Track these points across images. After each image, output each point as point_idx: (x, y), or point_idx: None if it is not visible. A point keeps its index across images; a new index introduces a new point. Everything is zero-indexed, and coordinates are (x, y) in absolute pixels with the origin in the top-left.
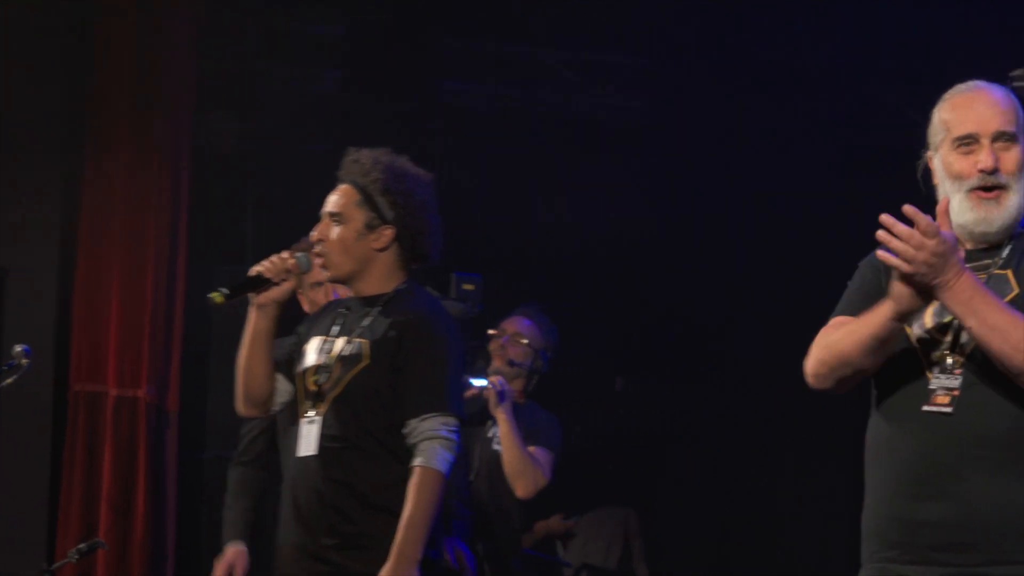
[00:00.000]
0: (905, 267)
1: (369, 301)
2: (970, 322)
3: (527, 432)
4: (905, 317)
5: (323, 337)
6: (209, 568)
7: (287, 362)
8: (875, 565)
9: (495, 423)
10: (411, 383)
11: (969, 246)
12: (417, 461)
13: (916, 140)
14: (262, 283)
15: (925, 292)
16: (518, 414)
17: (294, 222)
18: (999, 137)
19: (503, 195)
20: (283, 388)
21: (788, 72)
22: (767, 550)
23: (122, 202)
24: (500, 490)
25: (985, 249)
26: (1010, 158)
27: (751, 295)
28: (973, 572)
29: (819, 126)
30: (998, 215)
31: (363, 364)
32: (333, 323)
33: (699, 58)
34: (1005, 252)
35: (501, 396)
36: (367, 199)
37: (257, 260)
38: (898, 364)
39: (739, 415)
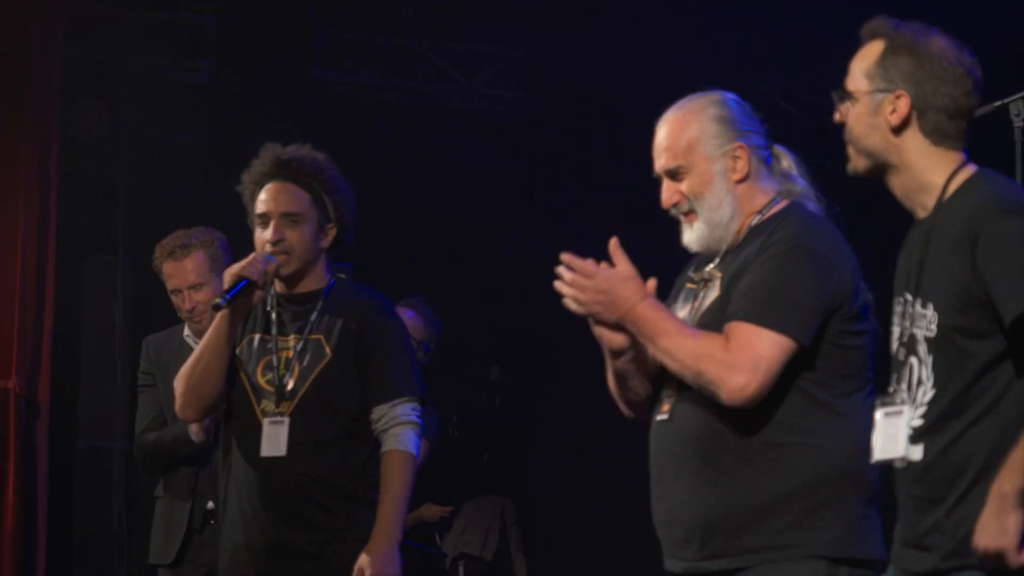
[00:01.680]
0: (574, 307)
1: (308, 297)
2: (651, 349)
3: None
4: (622, 353)
5: (260, 335)
6: (81, 558)
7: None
8: None
9: None
10: (379, 370)
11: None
12: (392, 445)
13: (794, 131)
14: (251, 288)
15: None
16: None
17: (165, 212)
18: (667, 175)
19: (376, 185)
20: None
21: (666, 62)
22: (644, 538)
23: None
24: None
25: (723, 255)
26: (685, 185)
27: None
28: (696, 567)
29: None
30: (694, 237)
31: (327, 359)
32: (265, 321)
33: (574, 47)
34: (725, 256)
35: None
36: (317, 199)
37: (128, 250)
38: None
39: (614, 404)
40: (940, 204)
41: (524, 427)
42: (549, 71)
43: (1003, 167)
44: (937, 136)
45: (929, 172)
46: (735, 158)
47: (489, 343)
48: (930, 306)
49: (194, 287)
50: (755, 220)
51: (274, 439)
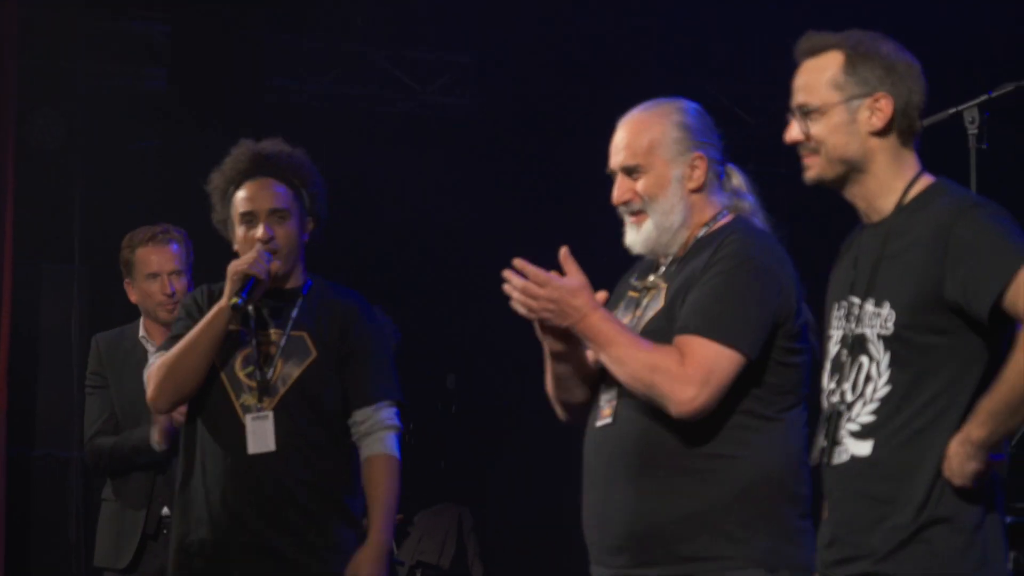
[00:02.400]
0: (523, 311)
1: (289, 293)
2: (601, 357)
3: None
4: (564, 356)
5: (238, 328)
6: (39, 565)
7: None
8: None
9: None
10: (362, 373)
11: (663, 261)
12: (379, 449)
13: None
14: (259, 286)
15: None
16: None
17: (122, 220)
18: (624, 171)
19: (330, 192)
20: None
21: (618, 68)
22: None
23: None
24: None
25: (672, 262)
26: (640, 185)
27: None
28: (628, 574)
29: None
30: (639, 238)
31: (312, 358)
32: (245, 314)
33: (526, 55)
34: (666, 266)
35: None
36: (297, 196)
37: (85, 257)
38: None
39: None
40: (900, 208)
41: (481, 435)
42: (500, 78)
43: (956, 175)
44: (905, 137)
45: (892, 176)
46: (693, 167)
47: (444, 351)
48: (885, 304)
49: (175, 273)
50: (702, 232)
51: (260, 435)
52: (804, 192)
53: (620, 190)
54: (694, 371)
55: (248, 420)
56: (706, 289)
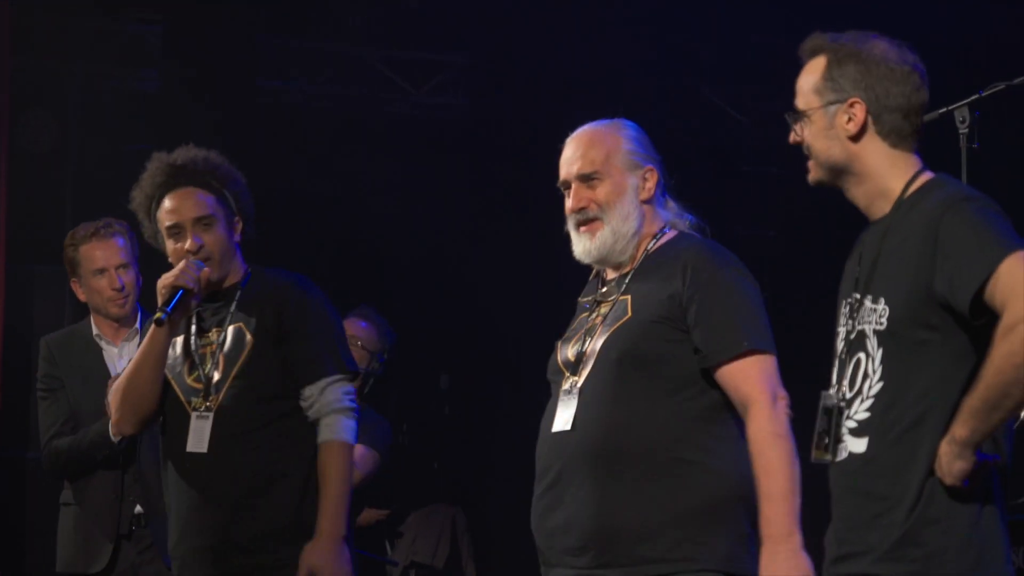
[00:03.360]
0: None
1: (226, 292)
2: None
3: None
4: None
5: (182, 338)
6: (34, 567)
7: None
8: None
9: None
10: (302, 350)
11: (611, 275)
12: (326, 436)
13: (741, 138)
14: (188, 296)
15: None
16: None
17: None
18: (580, 179)
19: (323, 193)
20: None
21: (610, 69)
22: None
23: None
24: None
25: (623, 275)
26: (598, 192)
27: (574, 293)
28: (590, 574)
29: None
30: (594, 245)
31: (248, 347)
32: (188, 323)
33: (518, 56)
34: (628, 278)
35: None
36: (221, 197)
37: None
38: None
39: None
40: (898, 204)
41: (474, 435)
42: (493, 79)
43: (948, 173)
44: (895, 138)
45: (889, 177)
46: (645, 179)
47: (438, 352)
48: (881, 300)
49: (122, 267)
50: (651, 244)
51: (198, 434)
52: (796, 192)
53: (576, 198)
54: (767, 397)
55: (192, 419)
56: (718, 307)
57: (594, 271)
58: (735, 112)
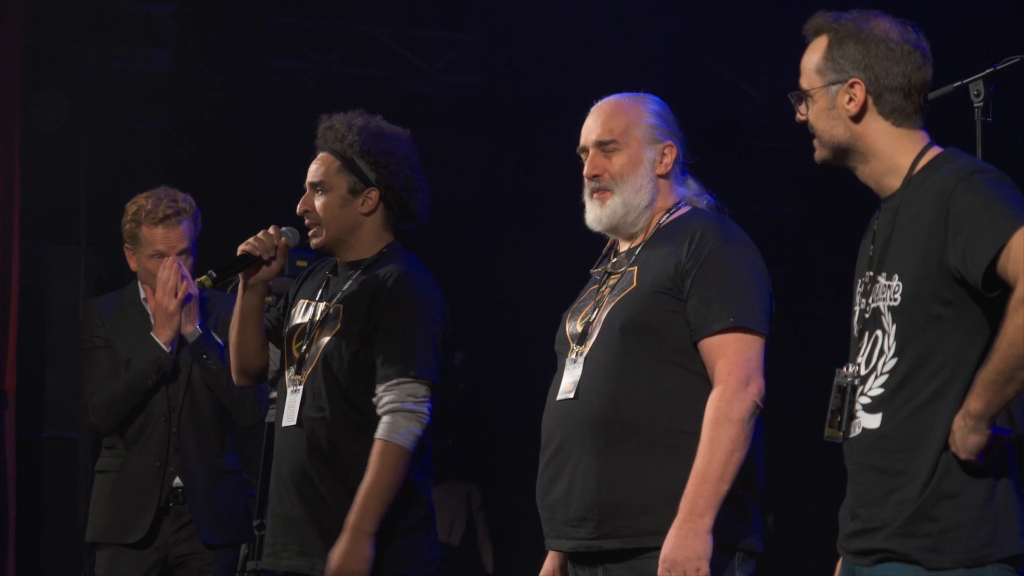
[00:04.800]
0: None
1: (353, 265)
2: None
3: None
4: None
5: (308, 300)
6: (50, 545)
7: (274, 329)
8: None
9: None
10: (380, 348)
11: (623, 247)
12: (378, 434)
13: (754, 114)
14: (250, 262)
15: None
16: None
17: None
18: (598, 146)
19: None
20: (275, 356)
21: (625, 46)
22: None
23: None
24: None
25: (636, 245)
26: (614, 162)
27: (586, 269)
28: (590, 545)
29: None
30: (604, 213)
31: (336, 330)
32: (319, 286)
33: (531, 33)
34: (638, 249)
35: None
36: (347, 164)
37: (91, 239)
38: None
39: None
40: (908, 181)
41: (489, 413)
42: (506, 56)
43: (963, 147)
44: (898, 117)
45: (896, 155)
46: (663, 154)
47: (452, 329)
48: (895, 277)
49: (183, 252)
50: (664, 218)
51: (291, 408)
52: (811, 168)
53: (592, 164)
54: (735, 379)
55: (288, 393)
56: (715, 281)
57: (608, 243)
58: (749, 88)
